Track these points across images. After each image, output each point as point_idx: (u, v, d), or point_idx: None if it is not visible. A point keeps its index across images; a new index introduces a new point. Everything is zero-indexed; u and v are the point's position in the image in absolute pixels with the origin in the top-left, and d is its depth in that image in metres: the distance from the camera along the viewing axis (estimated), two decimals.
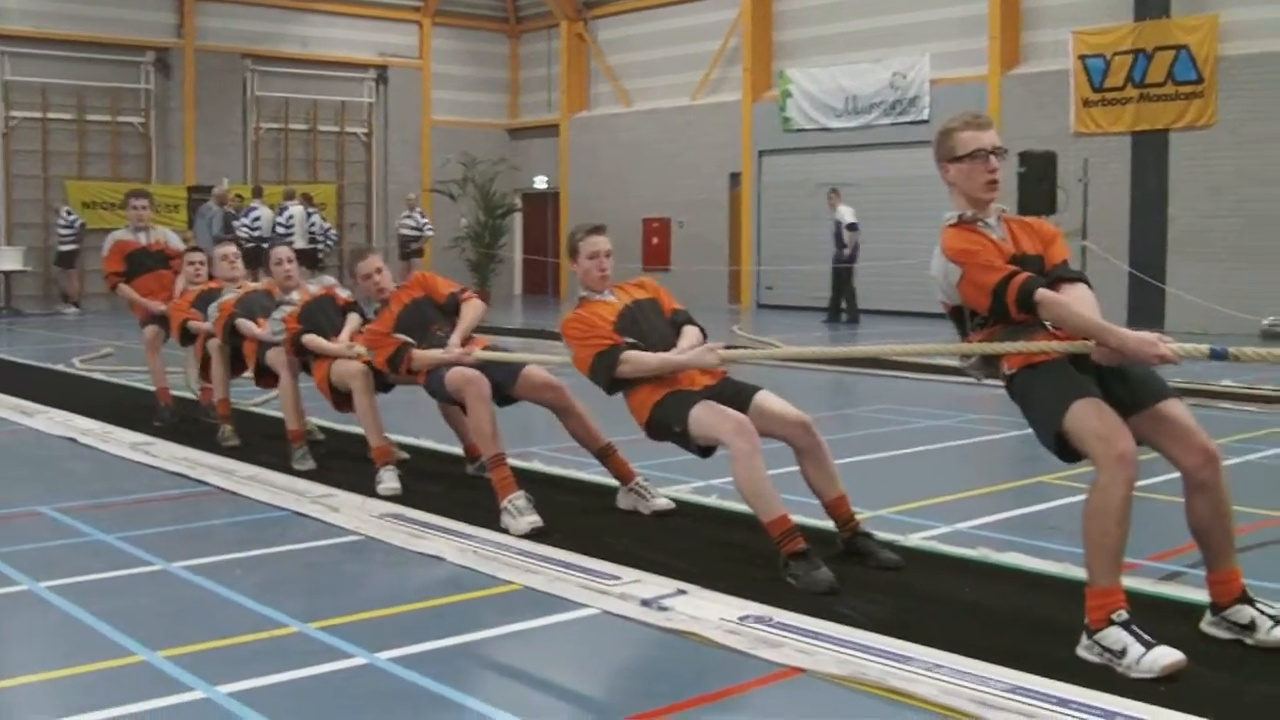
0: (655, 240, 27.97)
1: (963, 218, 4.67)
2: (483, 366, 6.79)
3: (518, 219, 30.83)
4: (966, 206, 4.68)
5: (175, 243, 10.67)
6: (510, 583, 5.33)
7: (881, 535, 5.79)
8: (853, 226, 21.17)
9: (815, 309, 22.42)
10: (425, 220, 25.33)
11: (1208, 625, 4.42)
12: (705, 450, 5.75)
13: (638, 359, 5.83)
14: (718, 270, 26.56)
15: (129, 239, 10.44)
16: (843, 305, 21.47)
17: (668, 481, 7.15)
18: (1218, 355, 4.28)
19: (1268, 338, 17.69)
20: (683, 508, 6.68)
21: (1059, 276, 4.54)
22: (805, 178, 24.76)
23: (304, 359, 8.03)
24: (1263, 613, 4.30)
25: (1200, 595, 4.58)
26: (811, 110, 24.88)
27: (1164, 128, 19.94)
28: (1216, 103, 19.39)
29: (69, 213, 24.29)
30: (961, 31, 22.65)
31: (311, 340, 7.84)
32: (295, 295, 8.37)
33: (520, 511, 6.18)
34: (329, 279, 8.91)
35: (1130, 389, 4.36)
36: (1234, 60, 19.24)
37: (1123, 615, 4.11)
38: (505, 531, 6.13)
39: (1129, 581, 4.36)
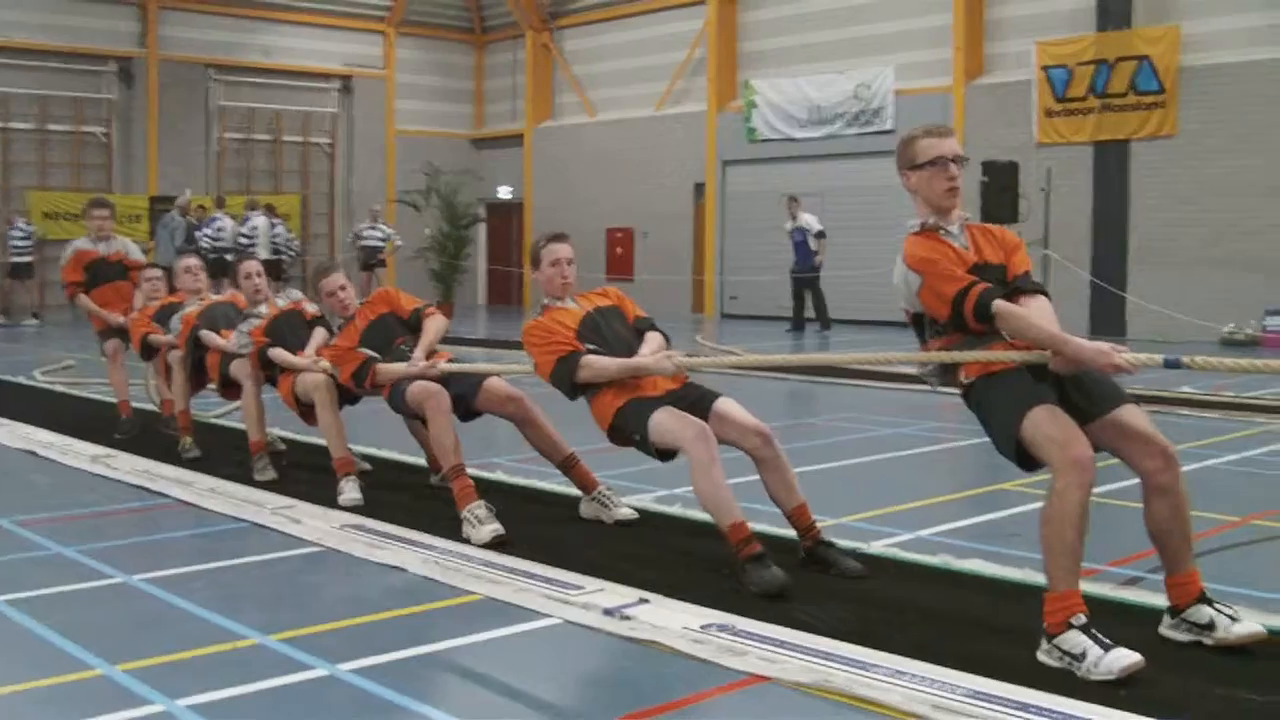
0: (619, 250, 27.99)
1: (925, 225, 4.69)
2: (445, 380, 6.78)
3: (482, 229, 30.81)
4: (929, 214, 4.71)
5: (136, 254, 10.58)
6: (472, 593, 5.31)
7: (844, 543, 5.80)
8: (821, 234, 21.19)
9: (779, 319, 22.46)
10: (392, 230, 25.23)
11: (1166, 628, 4.45)
12: (664, 456, 5.76)
13: (597, 364, 5.85)
14: (682, 280, 26.60)
15: (89, 249, 10.35)
16: (808, 316, 21.40)
17: (631, 491, 7.15)
18: (1172, 364, 4.31)
19: (1227, 345, 17.84)
20: (646, 517, 6.67)
21: (1018, 288, 4.58)
22: (770, 188, 24.84)
23: (270, 372, 8.00)
24: (1221, 612, 4.33)
25: (1160, 600, 4.61)
26: (776, 121, 24.95)
27: (1126, 138, 20.12)
28: (1178, 113, 19.56)
29: (26, 224, 24.08)
30: (926, 42, 22.78)
31: (277, 354, 7.82)
32: (263, 309, 8.33)
33: (481, 521, 6.16)
34: (296, 293, 8.87)
35: (1087, 397, 4.39)
36: (1195, 71, 19.42)
37: (1081, 619, 4.13)
38: (467, 541, 6.11)
39: (1089, 587, 4.39)
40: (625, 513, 6.60)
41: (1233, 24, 19.27)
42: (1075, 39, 20.63)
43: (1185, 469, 4.40)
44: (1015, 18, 21.82)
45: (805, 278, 21.28)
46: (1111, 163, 20.28)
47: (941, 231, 4.67)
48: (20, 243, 23.79)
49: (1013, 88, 21.42)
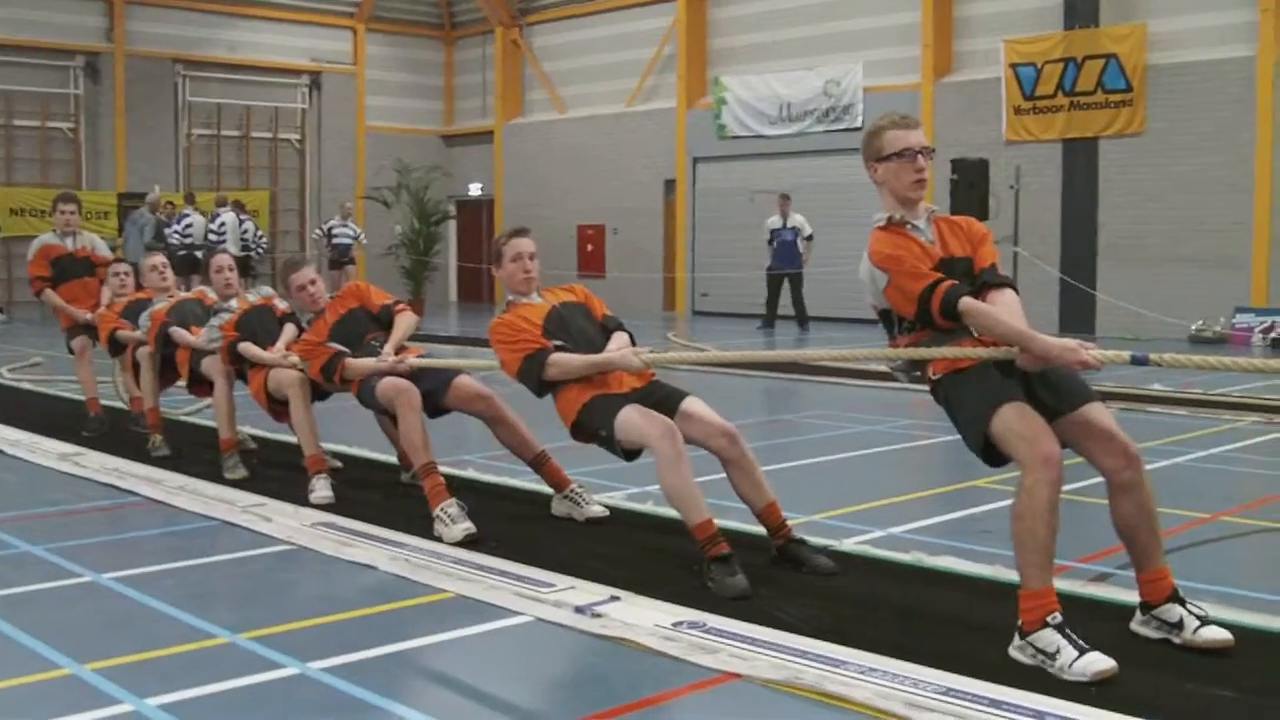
0: (590, 247, 27.98)
1: (891, 220, 4.69)
2: (415, 377, 6.76)
3: (452, 226, 30.75)
4: (896, 207, 4.71)
5: (103, 250, 10.52)
6: (443, 591, 5.30)
7: (816, 541, 5.81)
8: (810, 237, 21.16)
9: (751, 316, 22.47)
10: (359, 230, 25.12)
11: (1137, 625, 4.48)
12: (630, 454, 5.76)
13: (564, 361, 5.84)
14: (652, 277, 26.60)
15: (55, 244, 10.28)
16: (786, 314, 21.35)
17: (602, 488, 7.15)
18: (1139, 361, 4.33)
19: (1195, 342, 17.96)
20: (617, 514, 6.67)
21: (985, 282, 4.57)
22: (740, 185, 24.87)
23: (240, 368, 7.97)
24: (1190, 613, 4.35)
25: (1129, 596, 4.63)
26: (746, 117, 24.98)
27: (1094, 135, 20.21)
28: (1145, 111, 19.66)
29: None
30: (894, 40, 22.84)
31: (247, 349, 7.79)
32: (234, 304, 8.29)
33: (453, 519, 6.15)
34: (267, 289, 8.83)
35: (1054, 393, 4.41)
36: (1162, 69, 19.52)
37: (1057, 618, 4.14)
38: (438, 540, 6.10)
39: (1059, 583, 4.40)
40: (596, 510, 6.60)
41: (1199, 22, 19.38)
42: (1043, 37, 20.72)
43: (1154, 466, 4.44)
44: (983, 15, 21.90)
45: (787, 275, 21.18)
46: (1080, 160, 20.38)
47: (908, 226, 4.67)
48: None
49: (981, 85, 21.50)
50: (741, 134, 25.08)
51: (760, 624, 4.69)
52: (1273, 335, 17.94)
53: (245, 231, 23.00)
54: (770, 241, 21.41)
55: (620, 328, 6.16)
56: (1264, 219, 18.57)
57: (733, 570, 5.17)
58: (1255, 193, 18.60)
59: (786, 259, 21.25)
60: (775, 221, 21.36)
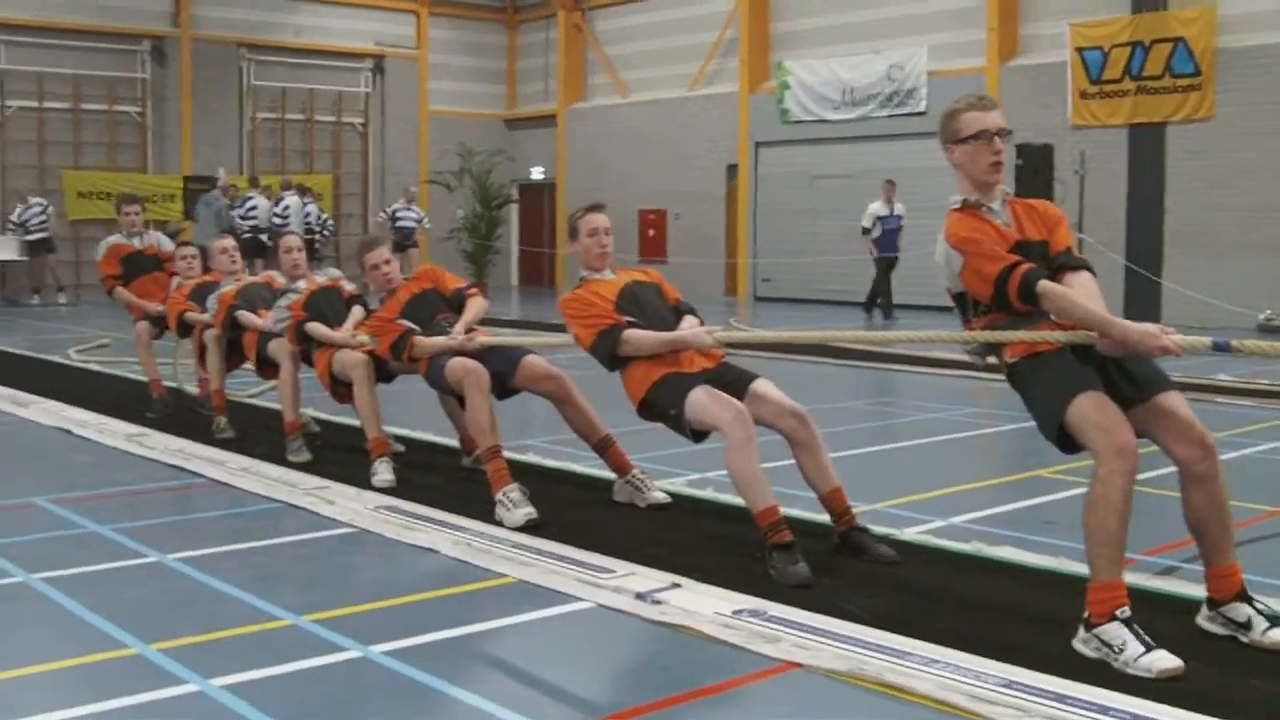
0: (651, 232, 27.95)
1: (966, 202, 4.64)
2: (483, 357, 6.77)
3: (514, 210, 30.78)
4: (971, 190, 4.65)
5: (167, 245, 10.66)
6: (505, 576, 5.32)
7: (878, 529, 5.78)
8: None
9: (813, 301, 22.31)
10: (422, 214, 25.24)
11: (1203, 620, 4.41)
12: (698, 435, 5.74)
13: (638, 337, 5.84)
14: (714, 263, 26.53)
15: (123, 243, 10.42)
16: (879, 301, 21.01)
17: (664, 474, 7.14)
18: (1220, 348, 4.25)
19: (1264, 332, 17.69)
20: (678, 501, 6.66)
21: (1062, 264, 4.51)
22: (802, 169, 24.74)
23: (306, 348, 8.01)
24: (1260, 613, 4.28)
25: (1195, 590, 4.57)
26: (809, 102, 24.83)
27: (1161, 121, 19.92)
28: (1214, 95, 19.36)
29: (40, 201, 23.86)
30: (959, 23, 22.62)
31: (314, 328, 7.83)
32: (301, 284, 8.33)
33: (515, 504, 6.17)
34: (335, 271, 8.88)
35: (1131, 381, 4.34)
36: (1232, 52, 19.21)
37: (1126, 612, 4.09)
38: (500, 524, 6.11)
39: (1126, 575, 4.35)
40: (658, 496, 6.59)
41: (1270, 5, 19.05)
42: (1110, 20, 20.44)
43: (1222, 458, 4.36)
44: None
45: (891, 261, 20.84)
46: (1146, 146, 20.10)
47: (983, 209, 4.62)
48: (37, 219, 23.64)
49: (1047, 69, 21.24)
50: (805, 119, 24.92)
51: (822, 613, 4.67)
52: None
53: (309, 215, 23.17)
54: (869, 230, 20.80)
55: (692, 312, 6.15)
56: None
57: (795, 558, 5.15)
58: None
59: (891, 245, 20.85)
60: (880, 208, 20.86)
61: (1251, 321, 17.90)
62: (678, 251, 27.09)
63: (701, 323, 6.06)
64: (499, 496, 6.24)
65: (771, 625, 4.55)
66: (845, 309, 21.40)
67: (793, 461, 5.68)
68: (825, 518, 5.68)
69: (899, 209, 20.70)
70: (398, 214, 24.47)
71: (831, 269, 23.69)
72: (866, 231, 20.83)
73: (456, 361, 6.72)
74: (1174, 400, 4.33)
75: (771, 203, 25.72)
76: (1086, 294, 4.36)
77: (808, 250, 23.14)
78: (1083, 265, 4.54)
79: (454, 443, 7.95)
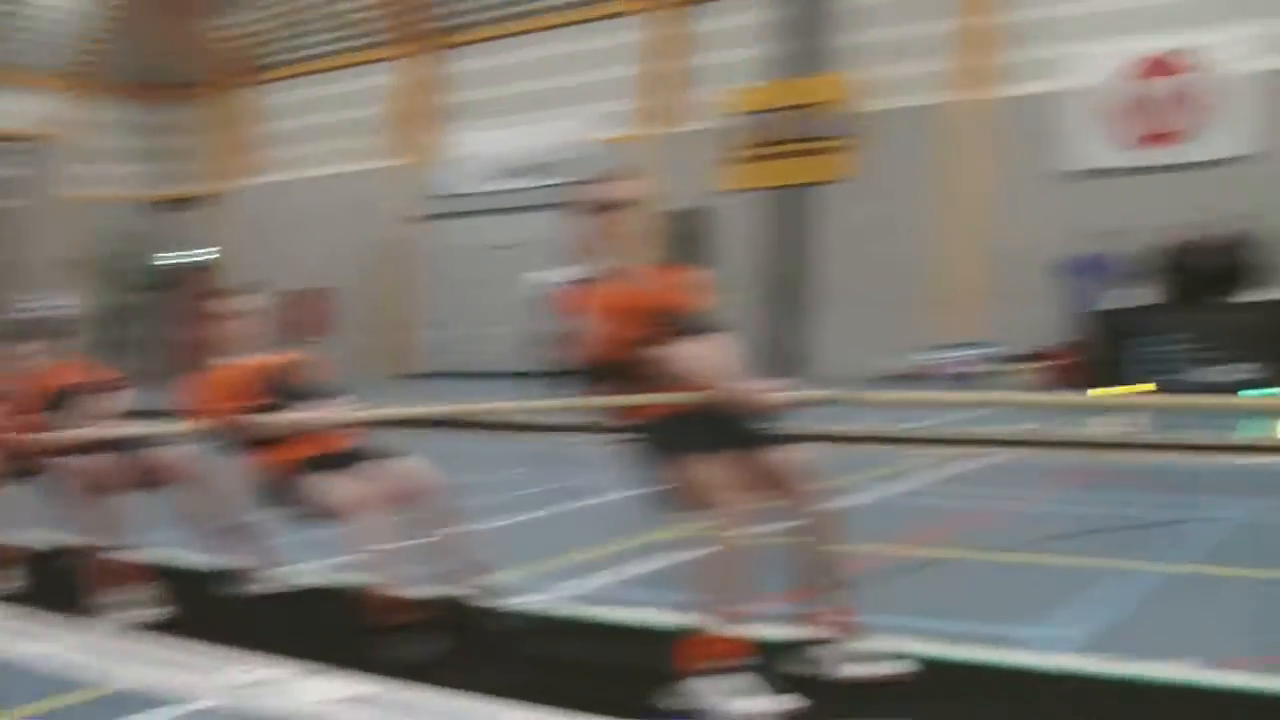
0: (316, 310, 27.41)
1: (604, 270, 4.64)
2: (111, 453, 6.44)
3: (169, 294, 29.75)
4: (609, 257, 4.66)
5: None
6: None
7: (514, 599, 5.68)
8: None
9: (490, 375, 22.26)
10: (70, 302, 24.21)
11: (816, 662, 4.48)
12: (325, 517, 5.55)
13: (272, 420, 5.62)
14: (383, 339, 26.23)
15: None
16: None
17: (290, 560, 6.83)
18: (834, 402, 4.38)
19: (895, 380, 18.48)
20: (304, 589, 6.40)
21: (693, 328, 4.56)
22: (472, 241, 24.78)
23: None
24: (854, 651, 4.43)
25: (807, 633, 4.61)
26: (474, 174, 24.97)
27: (806, 182, 20.77)
28: (855, 156, 20.31)
29: None
30: (616, 93, 23.13)
31: None
32: None
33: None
34: None
35: (746, 436, 4.40)
36: (872, 116, 20.22)
37: (736, 662, 4.13)
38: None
39: (743, 627, 4.36)
40: (285, 584, 6.35)
41: (905, 70, 20.17)
42: (758, 88, 21.25)
43: (845, 503, 4.44)
44: (702, 68, 22.38)
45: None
46: (793, 206, 20.93)
47: (621, 276, 4.63)
48: None
49: (699, 136, 21.92)
50: (470, 191, 25.03)
51: (435, 687, 4.52)
52: (960, 369, 18.54)
53: None
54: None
55: (332, 395, 5.97)
56: (958, 258, 19.33)
57: (416, 639, 5.01)
58: (937, 234, 19.35)
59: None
60: (550, 276, 21.04)
61: (886, 370, 18.68)
62: (345, 328, 26.66)
63: (343, 408, 5.90)
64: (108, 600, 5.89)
65: (384, 711, 4.37)
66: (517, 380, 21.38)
67: (414, 540, 5.53)
68: (458, 593, 5.54)
69: (569, 274, 20.92)
70: (38, 304, 23.42)
71: (505, 339, 23.75)
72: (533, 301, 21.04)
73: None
74: (784, 453, 4.44)
75: (443, 274, 25.63)
76: (714, 355, 4.43)
77: (481, 321, 23.14)
78: (715, 328, 4.59)
79: None
